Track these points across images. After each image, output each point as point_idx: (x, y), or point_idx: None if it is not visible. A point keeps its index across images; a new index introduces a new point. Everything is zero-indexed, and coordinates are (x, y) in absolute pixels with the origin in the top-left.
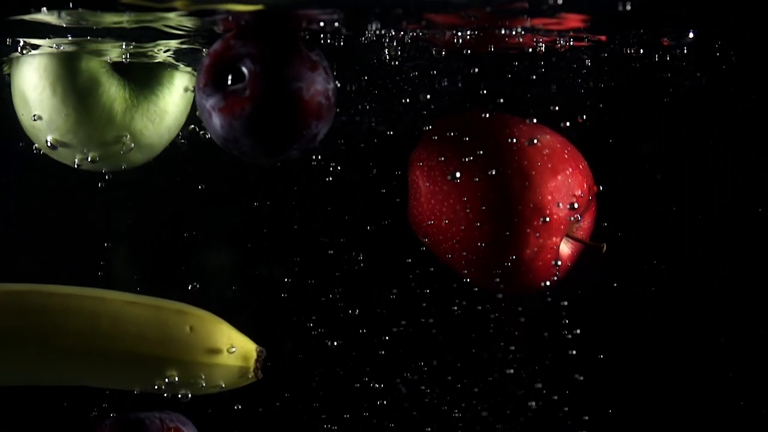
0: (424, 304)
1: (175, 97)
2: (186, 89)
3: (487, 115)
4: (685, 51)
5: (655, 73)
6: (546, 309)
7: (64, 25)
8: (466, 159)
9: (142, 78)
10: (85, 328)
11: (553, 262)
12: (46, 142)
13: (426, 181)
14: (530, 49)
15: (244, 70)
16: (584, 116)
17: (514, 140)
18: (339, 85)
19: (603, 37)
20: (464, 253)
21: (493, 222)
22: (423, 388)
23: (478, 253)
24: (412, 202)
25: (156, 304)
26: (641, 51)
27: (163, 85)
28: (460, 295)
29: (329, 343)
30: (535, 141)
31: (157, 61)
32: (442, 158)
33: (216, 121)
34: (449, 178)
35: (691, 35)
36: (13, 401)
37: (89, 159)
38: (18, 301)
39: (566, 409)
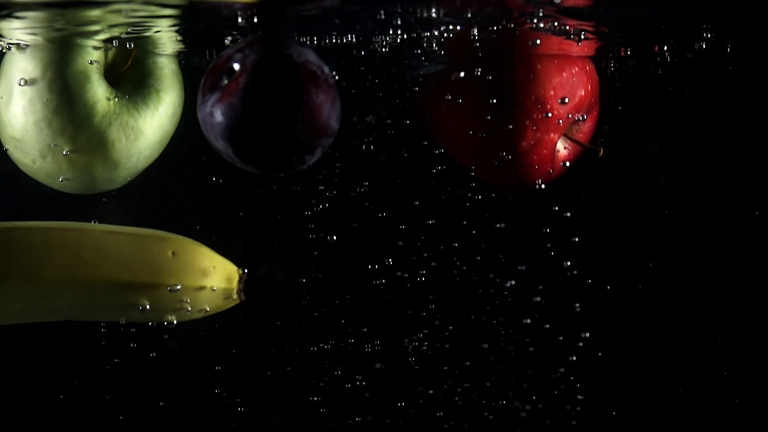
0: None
1: (155, 122)
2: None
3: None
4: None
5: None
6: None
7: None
8: (475, 49)
9: (131, 92)
10: (69, 259)
11: (551, 156)
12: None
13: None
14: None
15: (235, 65)
16: None
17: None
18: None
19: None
20: (462, 139)
21: (493, 109)
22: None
23: (475, 141)
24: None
25: (136, 232)
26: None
27: (148, 106)
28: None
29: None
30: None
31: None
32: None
33: (217, 113)
34: (452, 78)
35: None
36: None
37: (51, 159)
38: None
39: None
